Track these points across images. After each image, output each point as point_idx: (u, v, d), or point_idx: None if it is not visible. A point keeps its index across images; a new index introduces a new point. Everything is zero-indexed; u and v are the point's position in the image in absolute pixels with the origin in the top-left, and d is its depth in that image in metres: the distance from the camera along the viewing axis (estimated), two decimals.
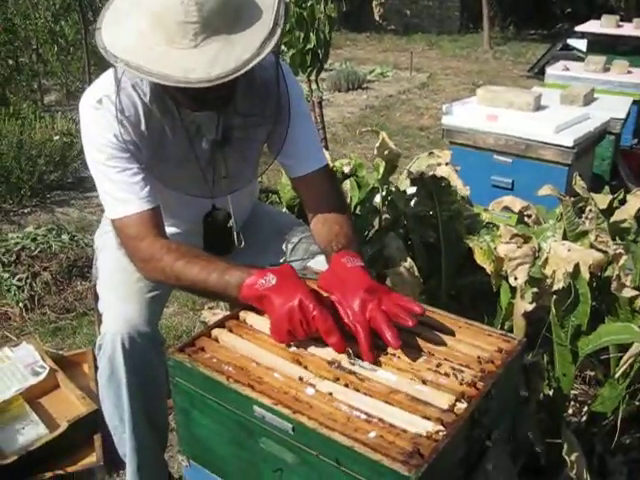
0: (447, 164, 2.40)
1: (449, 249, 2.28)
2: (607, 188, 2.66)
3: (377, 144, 2.36)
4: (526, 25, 12.92)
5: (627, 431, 1.88)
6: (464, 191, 2.36)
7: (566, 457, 1.61)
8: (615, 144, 3.99)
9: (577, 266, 1.74)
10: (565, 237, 2.10)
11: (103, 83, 1.62)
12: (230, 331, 1.44)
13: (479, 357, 1.33)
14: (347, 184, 2.55)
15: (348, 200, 2.48)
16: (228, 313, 1.59)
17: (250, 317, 1.47)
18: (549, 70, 4.86)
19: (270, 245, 1.96)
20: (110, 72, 1.60)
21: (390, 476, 1.05)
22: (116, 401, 1.66)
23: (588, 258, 1.82)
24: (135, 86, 1.59)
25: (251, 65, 1.37)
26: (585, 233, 2.06)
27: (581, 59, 5.33)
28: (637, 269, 1.94)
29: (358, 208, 2.53)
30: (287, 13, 1.44)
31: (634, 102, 4.13)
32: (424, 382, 1.26)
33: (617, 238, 2.14)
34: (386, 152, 2.37)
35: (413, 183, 2.35)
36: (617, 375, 1.82)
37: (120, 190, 1.59)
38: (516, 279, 1.82)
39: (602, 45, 5.03)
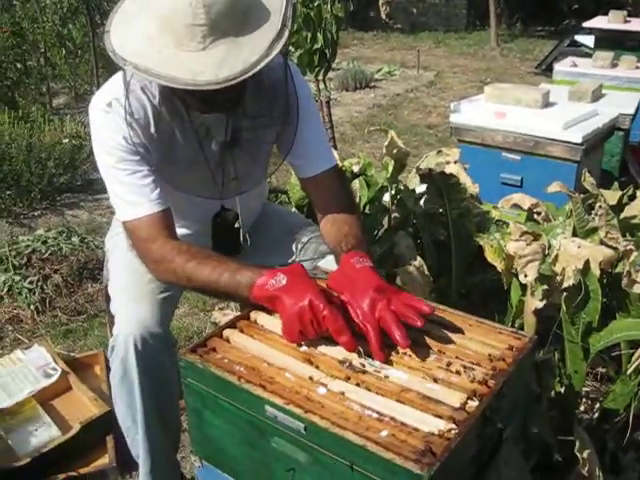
0: (456, 162, 2.40)
1: (459, 247, 2.28)
2: (616, 184, 2.65)
3: (386, 143, 2.37)
4: (533, 22, 12.86)
5: (639, 428, 1.87)
6: (473, 189, 2.36)
7: (578, 454, 1.61)
8: (624, 140, 3.97)
9: (587, 263, 1.74)
10: (575, 234, 2.09)
11: (112, 86, 1.63)
12: (241, 331, 1.44)
13: (490, 355, 1.33)
14: (356, 183, 2.55)
15: (357, 199, 2.48)
16: (239, 314, 1.59)
17: (261, 317, 1.47)
18: (557, 67, 4.84)
19: (280, 245, 1.96)
20: (119, 75, 1.60)
21: (403, 475, 1.05)
22: (129, 402, 1.66)
23: (598, 255, 1.81)
24: (144, 89, 1.60)
25: (259, 67, 1.38)
26: (595, 230, 2.06)
27: (589, 55, 5.31)
28: None
29: (367, 207, 2.54)
30: (295, 14, 1.45)
31: None
32: (435, 380, 1.27)
33: (627, 234, 2.13)
34: (395, 151, 2.37)
35: (422, 181, 2.35)
36: (629, 372, 1.81)
37: (130, 193, 1.60)
38: (526, 276, 1.82)
39: (610, 41, 5.00)
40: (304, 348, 1.37)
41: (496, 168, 3.48)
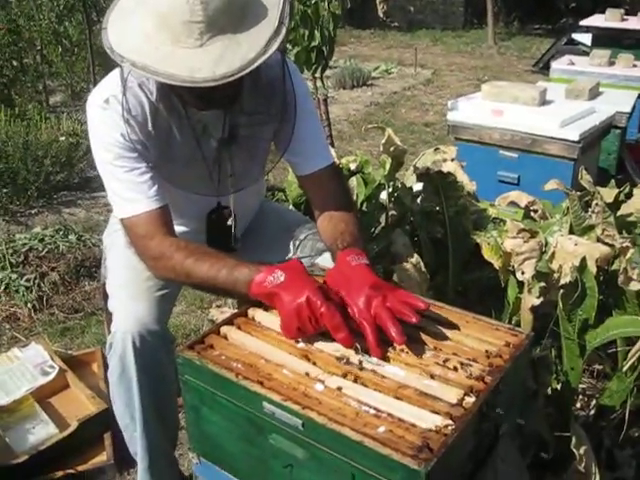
0: (453, 160, 2.40)
1: (456, 245, 2.28)
2: (613, 182, 2.66)
3: (383, 141, 2.37)
4: (530, 20, 12.88)
5: (635, 424, 1.88)
6: (470, 186, 2.36)
7: (574, 450, 1.62)
8: (621, 138, 3.98)
9: (584, 260, 1.74)
10: (572, 231, 2.10)
11: (109, 83, 1.62)
12: (239, 328, 1.44)
13: (487, 351, 1.33)
14: (353, 181, 2.55)
15: (354, 197, 2.48)
16: (236, 311, 1.59)
17: (258, 314, 1.48)
18: (554, 65, 4.86)
19: (277, 242, 1.96)
20: (116, 72, 1.60)
21: (400, 470, 1.06)
22: (127, 399, 1.67)
23: (595, 252, 1.82)
24: (142, 85, 1.60)
25: (257, 64, 1.38)
26: (591, 227, 2.06)
27: (586, 53, 5.33)
28: None
29: (364, 205, 2.54)
30: (292, 11, 1.45)
31: (639, 96, 4.12)
32: (432, 377, 1.27)
33: (624, 232, 2.13)
34: (392, 148, 2.37)
35: (419, 179, 2.36)
36: (625, 368, 1.82)
37: (128, 189, 1.60)
38: (523, 274, 1.82)
39: (607, 39, 5.02)
40: (302, 345, 1.37)
41: (493, 166, 3.49)
